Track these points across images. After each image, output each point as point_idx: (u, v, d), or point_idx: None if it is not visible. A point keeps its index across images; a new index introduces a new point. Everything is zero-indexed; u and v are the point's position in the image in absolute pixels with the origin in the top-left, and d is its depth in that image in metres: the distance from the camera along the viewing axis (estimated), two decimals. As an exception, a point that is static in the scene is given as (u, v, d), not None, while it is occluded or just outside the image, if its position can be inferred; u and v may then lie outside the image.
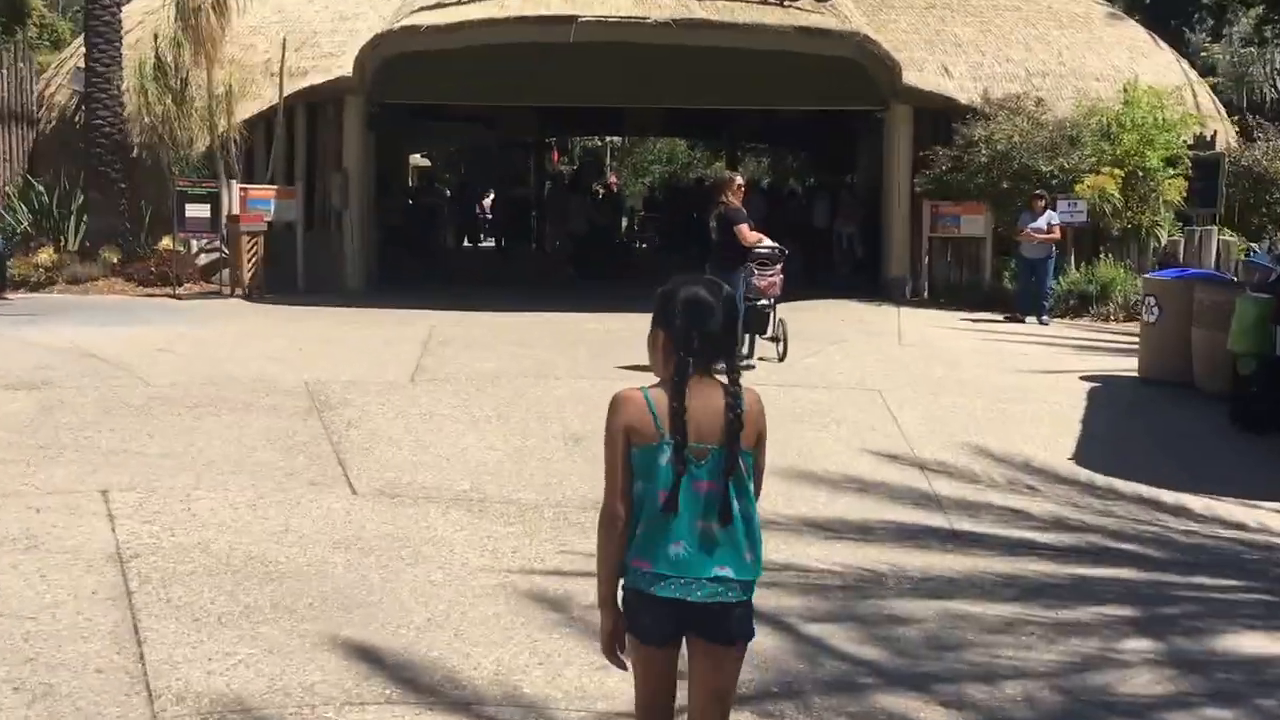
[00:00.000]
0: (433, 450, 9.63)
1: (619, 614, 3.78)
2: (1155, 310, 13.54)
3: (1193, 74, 25.40)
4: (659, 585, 3.67)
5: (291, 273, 20.34)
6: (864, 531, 8.02)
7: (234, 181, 20.07)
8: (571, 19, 18.95)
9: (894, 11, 23.52)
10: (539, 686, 5.43)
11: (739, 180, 14.50)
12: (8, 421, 9.89)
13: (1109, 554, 7.78)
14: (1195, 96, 23.33)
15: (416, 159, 41.22)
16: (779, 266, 13.98)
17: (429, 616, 6.25)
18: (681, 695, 3.87)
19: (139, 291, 19.72)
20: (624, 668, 3.82)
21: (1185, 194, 20.19)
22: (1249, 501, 9.07)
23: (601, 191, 33.02)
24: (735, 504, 3.70)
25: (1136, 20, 27.15)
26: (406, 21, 19.85)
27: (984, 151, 20.30)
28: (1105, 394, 12.68)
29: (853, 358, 14.41)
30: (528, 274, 26.34)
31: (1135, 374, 13.72)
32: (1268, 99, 41.64)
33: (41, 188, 21.52)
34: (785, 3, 20.02)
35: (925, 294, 21.39)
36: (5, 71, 22.13)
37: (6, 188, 21.93)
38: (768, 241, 14.08)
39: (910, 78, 21.30)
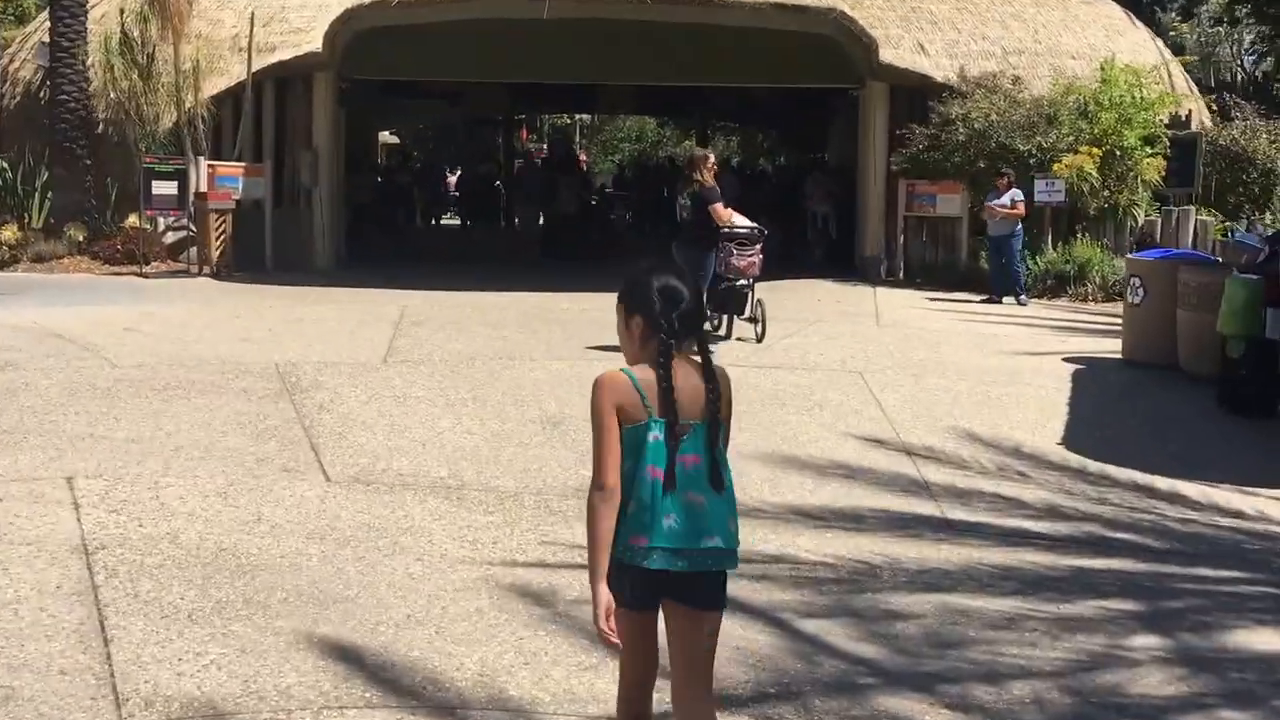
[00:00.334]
0: (408, 434, 9.36)
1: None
2: (1140, 291, 13.35)
3: (1168, 53, 25.28)
4: (652, 558, 3.76)
5: (260, 251, 19.99)
6: (855, 520, 7.81)
7: (201, 158, 19.71)
8: (544, -6, 18.68)
9: (869, -13, 23.27)
10: (525, 688, 5.19)
11: (711, 158, 14.24)
12: (-32, 405, 9.57)
13: (1107, 544, 7.59)
14: (1170, 75, 23.18)
15: (386, 136, 40.87)
16: (759, 246, 13.77)
17: (408, 612, 5.99)
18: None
19: (105, 270, 19.39)
20: (616, 645, 3.82)
21: (1163, 173, 20.05)
22: (1244, 488, 8.90)
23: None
24: (725, 474, 3.88)
25: (1112, -2, 26.99)
26: (377, -5, 19.55)
27: (961, 130, 20.09)
28: (1090, 376, 12.50)
29: (832, 339, 14.20)
30: (497, 252, 26.06)
31: (1118, 355, 13.53)
32: (1237, 78, 41.75)
33: (5, 164, 21.10)
34: (761, -22, 19.81)
35: (900, 274, 21.22)
36: (-32, 46, 21.76)
37: (-31, 164, 21.52)
38: (746, 221, 13.89)
39: (886, 55, 21.07)
